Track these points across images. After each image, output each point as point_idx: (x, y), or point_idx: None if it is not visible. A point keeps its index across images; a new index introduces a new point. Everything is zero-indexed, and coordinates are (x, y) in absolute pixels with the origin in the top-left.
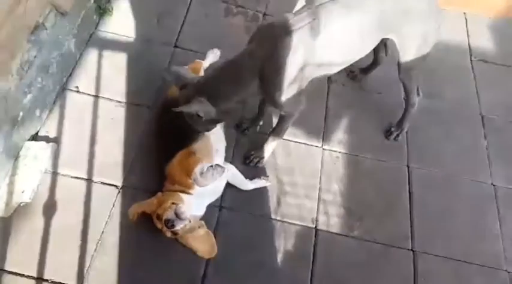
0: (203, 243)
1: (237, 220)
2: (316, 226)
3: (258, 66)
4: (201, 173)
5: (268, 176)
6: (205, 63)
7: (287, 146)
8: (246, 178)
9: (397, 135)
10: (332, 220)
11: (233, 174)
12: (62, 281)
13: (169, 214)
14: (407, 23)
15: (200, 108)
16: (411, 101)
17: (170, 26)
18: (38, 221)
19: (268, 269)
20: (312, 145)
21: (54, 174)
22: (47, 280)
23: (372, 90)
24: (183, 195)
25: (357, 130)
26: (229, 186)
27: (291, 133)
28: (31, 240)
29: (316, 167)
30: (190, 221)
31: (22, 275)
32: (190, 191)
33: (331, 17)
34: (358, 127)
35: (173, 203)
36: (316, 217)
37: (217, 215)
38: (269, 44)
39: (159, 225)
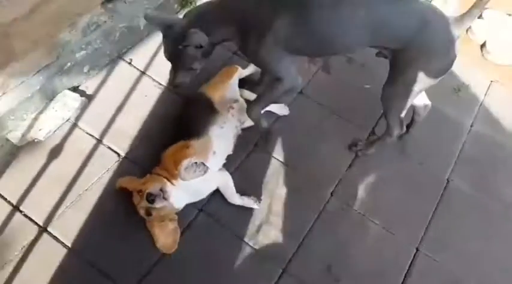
0: (167, 237)
1: (209, 229)
2: (284, 270)
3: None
4: (186, 167)
5: (261, 200)
6: (245, 72)
7: (293, 178)
8: (238, 192)
9: (359, 151)
10: (304, 271)
11: (226, 183)
12: (32, 217)
13: (154, 189)
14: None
15: (198, 37)
16: (389, 131)
17: None
18: (40, 159)
19: None
20: (321, 188)
21: (74, 125)
22: (20, 211)
23: (412, 157)
24: (167, 183)
25: (377, 192)
26: (219, 194)
27: (304, 167)
28: (25, 172)
29: (313, 212)
30: (167, 207)
31: (3, 197)
32: (174, 181)
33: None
34: (380, 189)
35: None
36: (290, 259)
37: (193, 216)
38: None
39: (136, 200)
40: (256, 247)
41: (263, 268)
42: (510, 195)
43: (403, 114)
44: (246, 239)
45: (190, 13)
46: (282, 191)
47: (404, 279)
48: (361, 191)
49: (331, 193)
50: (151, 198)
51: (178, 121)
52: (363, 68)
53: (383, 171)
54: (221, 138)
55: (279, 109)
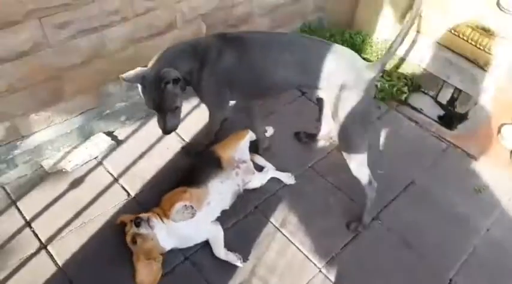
0: (148, 274)
1: (190, 278)
2: None
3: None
4: (177, 210)
5: (248, 260)
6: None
7: (286, 246)
8: (227, 248)
9: (356, 226)
10: None
11: (216, 236)
12: (38, 234)
13: (142, 216)
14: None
15: (172, 72)
16: (364, 191)
17: None
18: (62, 186)
19: None
20: (310, 261)
21: (99, 162)
22: (30, 227)
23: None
24: (157, 216)
25: (371, 279)
26: (209, 246)
27: (300, 237)
28: (46, 195)
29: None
30: (152, 240)
31: (21, 212)
32: (165, 220)
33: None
34: (374, 276)
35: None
36: None
37: (179, 261)
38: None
39: (127, 229)
40: None
41: None
42: None
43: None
44: None
45: (155, 61)
46: (270, 256)
47: None
48: (352, 273)
49: (320, 270)
50: (137, 221)
51: (185, 170)
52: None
53: (380, 257)
54: (219, 192)
55: (286, 178)
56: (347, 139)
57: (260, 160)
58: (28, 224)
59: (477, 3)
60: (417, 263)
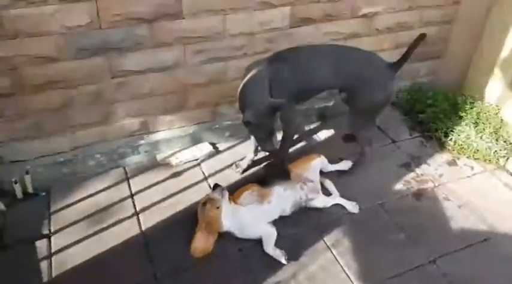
0: (202, 243)
1: (237, 264)
2: None
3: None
4: (245, 196)
5: (292, 261)
6: (329, 165)
7: (332, 264)
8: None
9: None
10: None
11: (268, 234)
12: (136, 206)
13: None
14: None
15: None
16: (363, 149)
17: None
18: (164, 175)
19: None
20: (351, 282)
21: (198, 164)
22: (133, 198)
23: None
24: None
25: None
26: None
27: (347, 260)
28: (151, 179)
29: None
30: (218, 208)
31: (131, 190)
32: (232, 203)
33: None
34: None
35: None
36: None
37: (231, 249)
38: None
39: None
40: None
41: None
42: None
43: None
44: None
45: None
46: (313, 267)
47: None
48: None
49: None
50: (215, 185)
51: (259, 176)
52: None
53: None
54: (280, 196)
55: (350, 206)
56: (359, 124)
57: (329, 185)
58: (132, 196)
59: None
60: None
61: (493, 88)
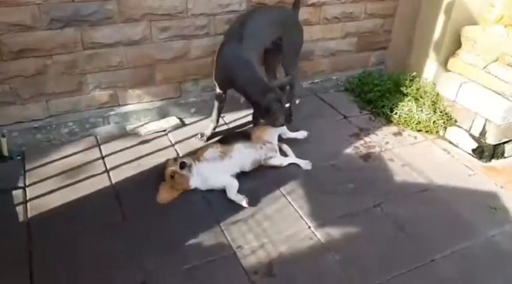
0: (167, 194)
1: (200, 208)
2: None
3: None
4: (208, 153)
5: (252, 206)
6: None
7: (286, 206)
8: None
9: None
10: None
11: (231, 185)
12: (107, 165)
13: (187, 161)
14: None
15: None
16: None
17: None
18: (133, 142)
19: None
20: (303, 220)
21: (165, 134)
22: (103, 159)
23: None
24: (193, 161)
25: None
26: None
27: (300, 203)
28: (120, 146)
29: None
30: (185, 178)
31: (102, 154)
32: (197, 162)
33: None
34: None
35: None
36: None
37: (195, 197)
38: None
39: (169, 163)
40: (227, 233)
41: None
42: None
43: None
44: (221, 225)
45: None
46: (270, 209)
47: None
48: (338, 238)
49: (309, 227)
50: (183, 164)
51: (223, 136)
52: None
53: (368, 231)
54: (240, 153)
55: (304, 164)
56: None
57: (287, 149)
58: (103, 158)
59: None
60: (405, 241)
61: (429, 68)
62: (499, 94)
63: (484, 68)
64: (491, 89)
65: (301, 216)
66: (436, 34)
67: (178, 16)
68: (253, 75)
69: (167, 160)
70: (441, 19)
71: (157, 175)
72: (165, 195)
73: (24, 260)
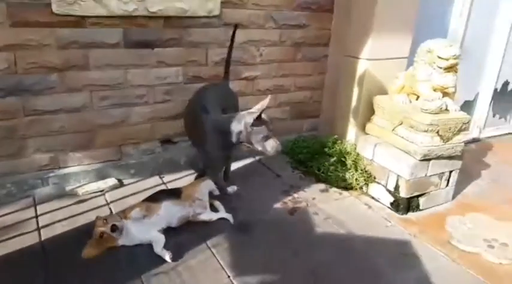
0: (94, 248)
1: (127, 258)
2: None
3: None
4: (134, 212)
5: (176, 260)
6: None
7: (210, 258)
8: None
9: None
10: None
11: (157, 240)
12: (40, 223)
13: (119, 225)
14: None
15: None
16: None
17: None
18: (70, 202)
19: None
20: (224, 270)
21: (102, 194)
22: (37, 218)
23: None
24: (123, 220)
25: None
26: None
27: (223, 256)
28: (57, 205)
29: None
30: (114, 239)
31: (36, 213)
32: (124, 220)
33: None
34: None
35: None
36: None
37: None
38: None
39: (98, 224)
40: None
41: None
42: None
43: None
44: (143, 278)
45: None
46: (193, 262)
47: None
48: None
49: (229, 276)
50: (114, 227)
51: (153, 194)
52: None
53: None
54: (168, 210)
55: (231, 218)
56: None
57: (218, 205)
58: (36, 217)
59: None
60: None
61: (350, 131)
62: (406, 152)
63: (393, 130)
64: (399, 148)
65: (222, 267)
66: (353, 102)
67: (118, 86)
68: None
69: (96, 219)
70: (356, 90)
71: (86, 232)
72: (90, 251)
73: None
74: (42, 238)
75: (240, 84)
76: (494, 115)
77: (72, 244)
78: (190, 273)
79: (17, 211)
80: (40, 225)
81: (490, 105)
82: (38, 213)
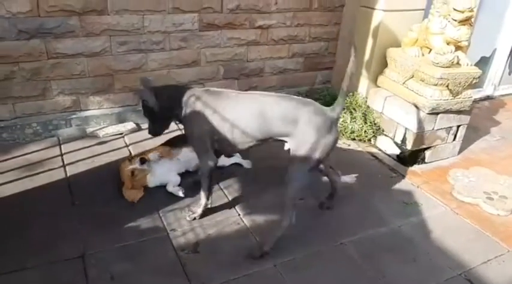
0: (134, 194)
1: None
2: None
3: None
4: (153, 155)
5: (188, 197)
6: None
7: (222, 198)
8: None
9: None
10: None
11: (173, 181)
12: (64, 161)
13: (146, 157)
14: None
15: (146, 94)
16: (282, 221)
17: None
18: (91, 143)
19: None
20: (235, 209)
21: (121, 137)
22: (62, 156)
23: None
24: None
25: None
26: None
27: (234, 196)
28: (79, 145)
29: None
30: (146, 174)
31: (61, 151)
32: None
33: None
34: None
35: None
36: (167, 234)
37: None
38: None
39: (125, 165)
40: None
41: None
42: (391, 273)
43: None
44: (160, 212)
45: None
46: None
47: None
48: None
49: (239, 214)
50: (143, 160)
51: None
52: None
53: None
54: (187, 156)
55: (245, 163)
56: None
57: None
58: (61, 155)
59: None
60: (320, 227)
61: (362, 84)
62: (415, 106)
63: (403, 83)
64: (409, 102)
65: (233, 206)
66: (367, 55)
67: (135, 32)
68: None
69: (121, 163)
70: (370, 42)
71: (107, 170)
72: (131, 194)
73: None
74: (68, 174)
75: (254, 33)
76: (510, 73)
77: (95, 180)
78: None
79: (43, 149)
80: (65, 163)
81: (506, 62)
82: (63, 151)
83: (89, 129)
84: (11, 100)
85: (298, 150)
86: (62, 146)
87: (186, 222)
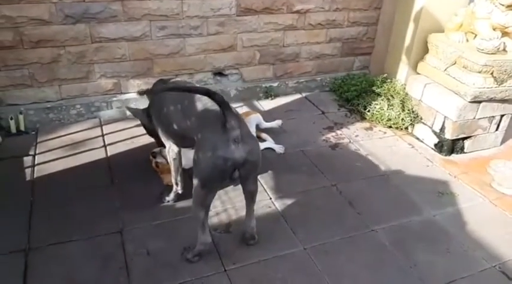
0: (168, 177)
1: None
2: None
3: None
4: None
5: None
6: (263, 122)
7: None
8: None
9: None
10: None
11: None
12: (106, 141)
13: (156, 150)
14: None
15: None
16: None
17: None
18: (132, 124)
19: None
20: (267, 193)
21: None
22: (103, 137)
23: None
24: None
25: None
26: None
27: (266, 180)
28: (120, 127)
29: None
30: (167, 163)
31: (102, 132)
32: None
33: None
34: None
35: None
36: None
37: None
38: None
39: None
40: None
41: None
42: (423, 262)
43: None
44: None
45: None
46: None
47: None
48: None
49: (270, 198)
50: (153, 154)
51: None
52: None
53: (323, 206)
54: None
55: (278, 148)
56: None
57: (265, 136)
58: (103, 136)
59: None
60: (351, 214)
61: (402, 70)
62: (456, 93)
63: (445, 70)
64: (450, 89)
65: (265, 189)
66: (407, 40)
67: (174, 17)
68: None
69: (150, 154)
70: (411, 27)
71: (146, 152)
72: (165, 178)
73: (25, 207)
74: (108, 154)
75: (291, 18)
76: None
77: (133, 160)
78: (236, 192)
79: (85, 130)
80: (106, 143)
81: None
82: (104, 132)
83: (129, 112)
84: (57, 82)
85: None
86: (103, 127)
87: (219, 203)
